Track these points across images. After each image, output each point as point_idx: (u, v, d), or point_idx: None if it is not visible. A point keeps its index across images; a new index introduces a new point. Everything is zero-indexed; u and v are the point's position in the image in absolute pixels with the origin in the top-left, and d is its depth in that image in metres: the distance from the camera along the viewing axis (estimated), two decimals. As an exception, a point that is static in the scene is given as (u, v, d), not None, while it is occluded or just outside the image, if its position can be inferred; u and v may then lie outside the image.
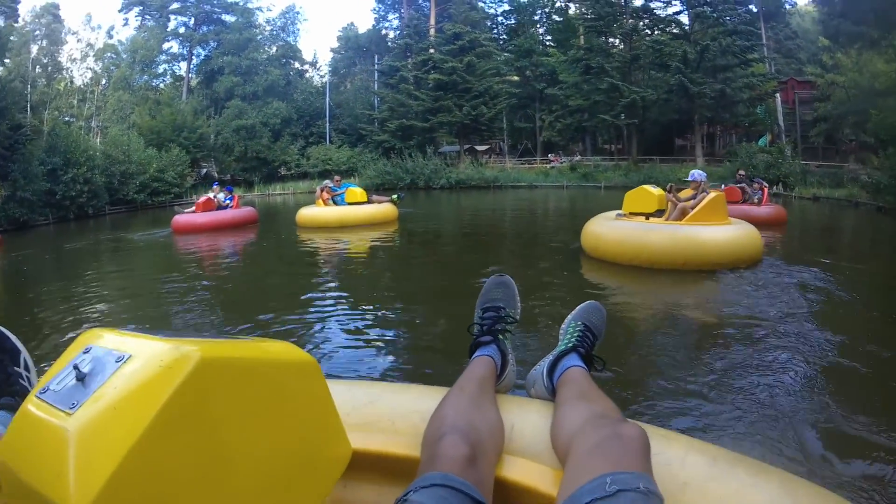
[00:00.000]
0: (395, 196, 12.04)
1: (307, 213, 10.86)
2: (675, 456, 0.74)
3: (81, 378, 0.54)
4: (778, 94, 30.74)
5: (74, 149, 20.68)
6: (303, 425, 0.72)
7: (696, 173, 6.51)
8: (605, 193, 23.63)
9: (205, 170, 36.63)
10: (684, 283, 5.28)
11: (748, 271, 5.43)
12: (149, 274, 7.55)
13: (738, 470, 0.71)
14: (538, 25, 35.72)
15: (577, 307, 1.10)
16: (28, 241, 13.38)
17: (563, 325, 1.09)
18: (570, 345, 1.00)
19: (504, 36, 36.16)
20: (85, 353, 0.58)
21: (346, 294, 5.29)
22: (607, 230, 6.11)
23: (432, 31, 32.79)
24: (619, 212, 6.84)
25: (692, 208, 6.10)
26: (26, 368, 0.86)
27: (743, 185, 10.24)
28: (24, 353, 0.87)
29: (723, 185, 10.79)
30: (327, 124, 33.60)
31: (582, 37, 31.17)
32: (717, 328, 3.92)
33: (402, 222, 11.35)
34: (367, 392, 0.98)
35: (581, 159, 30.70)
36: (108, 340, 0.59)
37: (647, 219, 6.46)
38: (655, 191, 6.73)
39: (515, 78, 32.77)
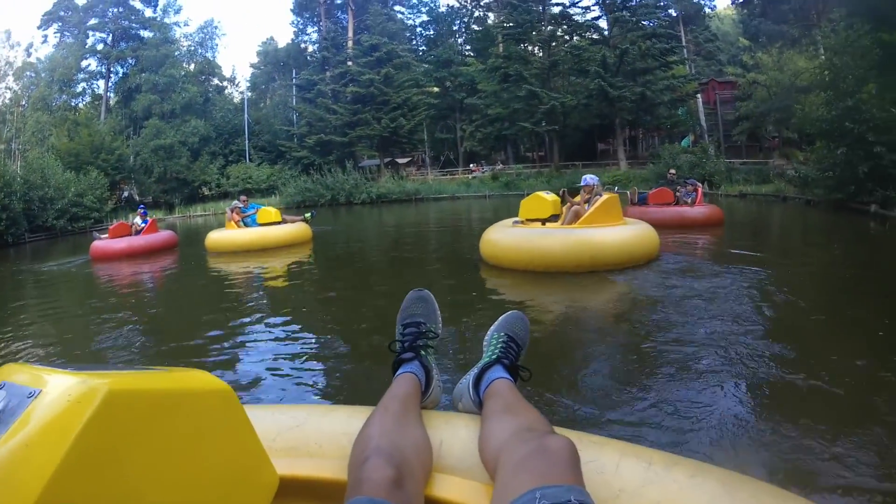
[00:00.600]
0: (307, 214, 11.24)
1: (217, 238, 9.81)
2: (609, 462, 0.72)
3: None
4: (699, 95, 30.93)
5: None
6: (222, 455, 0.69)
7: (589, 177, 6.63)
8: None
9: (126, 192, 34.91)
10: (583, 284, 5.29)
11: (645, 269, 5.60)
12: (67, 305, 7.09)
13: (675, 472, 0.69)
14: (457, 35, 35.15)
15: (500, 318, 1.07)
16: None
17: (486, 337, 1.06)
18: (494, 356, 0.98)
19: (423, 47, 35.46)
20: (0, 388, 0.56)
21: (264, 321, 4.93)
22: (503, 237, 6.13)
23: (350, 44, 31.85)
24: (517, 219, 6.81)
25: (586, 211, 6.15)
26: None
27: (676, 185, 9.84)
28: None
29: (652, 188, 10.51)
30: (246, 142, 32.25)
31: (501, 45, 30.68)
32: (620, 327, 3.97)
33: (319, 242, 10.64)
34: (292, 416, 0.94)
35: (502, 168, 30.12)
36: (21, 376, 0.57)
37: (543, 224, 6.50)
38: (549, 197, 6.73)
39: (435, 89, 32.06)
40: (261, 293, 6.56)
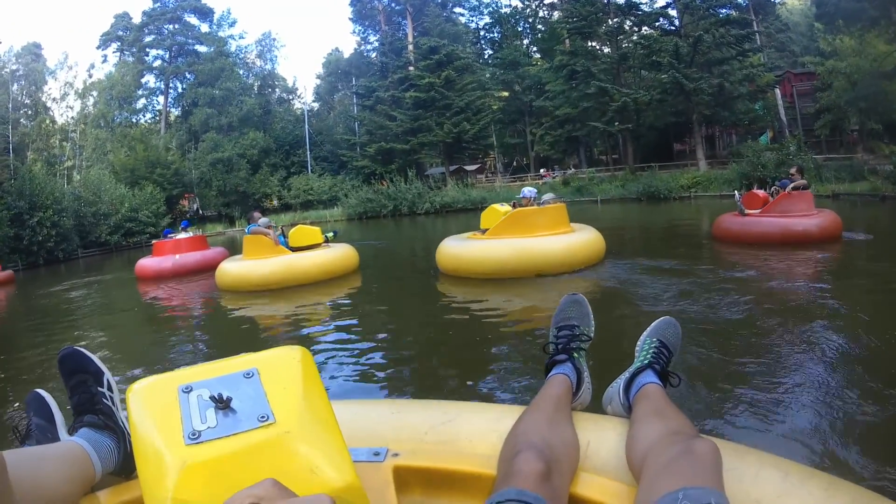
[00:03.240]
0: (329, 234, 8.33)
1: (233, 271, 6.70)
2: (748, 471, 0.71)
3: (226, 405, 0.55)
4: (777, 88, 27.59)
5: (39, 192, 18.87)
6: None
7: (526, 191, 6.71)
8: (602, 208, 20.44)
9: (195, 206, 33.82)
10: (544, 287, 5.20)
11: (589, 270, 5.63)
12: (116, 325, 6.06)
13: (810, 485, 0.67)
14: (522, 37, 32.29)
15: (652, 323, 1.04)
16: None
17: (638, 342, 1.03)
18: (646, 361, 0.96)
19: (488, 50, 32.82)
20: (186, 392, 0.58)
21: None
22: (458, 249, 6.10)
23: (410, 48, 29.49)
24: (485, 229, 6.63)
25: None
26: (109, 388, 0.87)
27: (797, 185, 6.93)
28: (108, 374, 0.88)
29: (738, 193, 7.87)
30: (308, 152, 30.39)
31: (567, 41, 27.77)
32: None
33: (366, 270, 7.63)
34: (444, 411, 0.94)
35: (574, 172, 27.22)
36: (196, 375, 0.60)
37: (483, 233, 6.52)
38: (503, 208, 6.68)
39: (504, 94, 29.38)
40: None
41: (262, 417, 0.54)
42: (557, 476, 0.69)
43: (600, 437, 0.83)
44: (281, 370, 0.59)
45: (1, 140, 31.62)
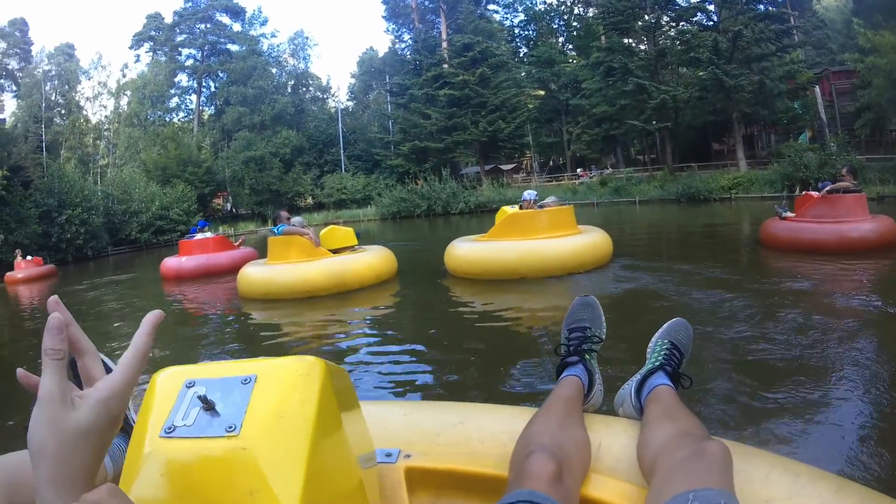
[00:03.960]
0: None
1: (256, 276, 5.87)
2: (758, 473, 0.71)
3: (211, 407, 0.53)
4: (816, 86, 26.69)
5: (69, 190, 18.93)
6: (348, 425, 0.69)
7: (527, 194, 6.64)
8: (640, 209, 19.76)
9: (229, 205, 33.77)
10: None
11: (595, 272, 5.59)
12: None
13: (820, 486, 0.67)
14: (557, 34, 31.56)
15: (664, 325, 1.02)
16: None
17: (650, 344, 1.02)
18: (658, 363, 0.95)
19: (524, 48, 32.11)
20: (188, 387, 0.56)
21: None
22: (465, 251, 6.01)
23: (444, 45, 28.97)
24: None
25: None
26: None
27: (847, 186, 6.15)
28: None
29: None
30: (341, 151, 30.04)
31: (602, 37, 27.06)
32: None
33: (405, 277, 6.69)
34: (457, 412, 0.94)
35: (612, 172, 26.52)
36: (203, 372, 0.58)
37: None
38: (511, 210, 6.64)
39: (541, 92, 28.72)
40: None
41: (231, 428, 0.51)
42: (569, 477, 0.68)
43: (612, 439, 0.82)
44: (279, 381, 0.55)
45: (34, 139, 31.95)
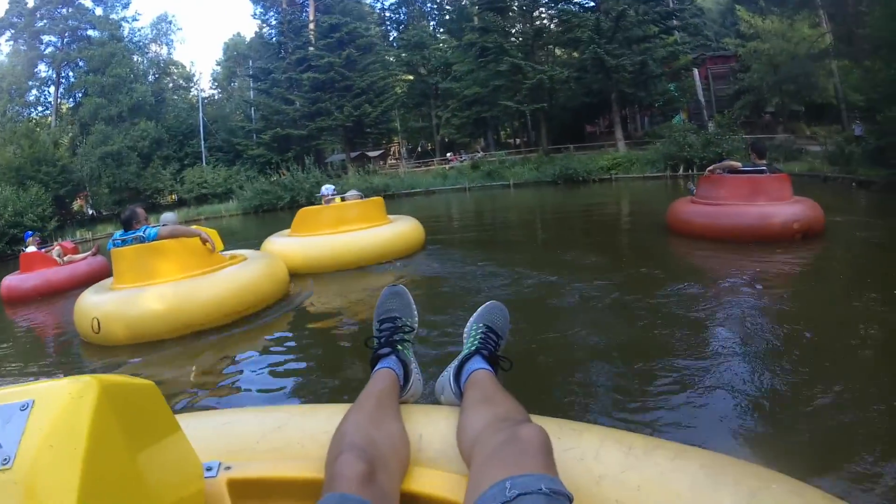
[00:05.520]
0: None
1: (291, 248, 5.57)
2: (589, 449, 0.69)
3: None
4: (695, 70, 26.72)
5: None
6: (160, 445, 0.66)
7: (325, 189, 6.71)
8: (515, 192, 18.37)
9: (89, 209, 29.85)
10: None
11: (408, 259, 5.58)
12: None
13: (656, 455, 0.66)
14: (429, 18, 29.70)
15: (479, 308, 1.00)
16: None
17: (465, 328, 1.00)
18: (474, 347, 0.93)
19: (394, 32, 30.03)
20: None
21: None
22: (281, 246, 5.63)
23: (311, 27, 26.46)
24: None
25: None
26: None
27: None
28: None
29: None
30: (202, 142, 26.90)
31: (476, 17, 25.43)
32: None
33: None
34: (275, 418, 0.89)
35: (483, 156, 24.85)
36: None
37: None
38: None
39: (410, 77, 26.72)
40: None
41: (5, 461, 0.47)
42: (384, 475, 0.65)
43: (433, 429, 0.79)
44: (54, 405, 0.50)
45: None
